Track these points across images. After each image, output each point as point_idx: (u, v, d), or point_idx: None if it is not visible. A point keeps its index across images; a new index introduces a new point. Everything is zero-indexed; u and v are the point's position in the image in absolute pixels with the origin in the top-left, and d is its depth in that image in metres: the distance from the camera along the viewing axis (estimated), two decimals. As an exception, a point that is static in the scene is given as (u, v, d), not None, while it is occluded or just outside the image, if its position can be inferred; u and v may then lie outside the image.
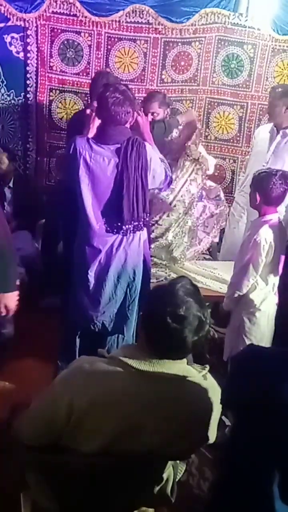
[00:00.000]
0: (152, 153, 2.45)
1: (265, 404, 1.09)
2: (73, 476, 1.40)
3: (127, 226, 2.40)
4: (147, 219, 2.47)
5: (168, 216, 3.18)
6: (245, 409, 1.16)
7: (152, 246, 3.02)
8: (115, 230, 2.42)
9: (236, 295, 2.45)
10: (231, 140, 4.02)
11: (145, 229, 2.51)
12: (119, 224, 2.39)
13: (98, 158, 2.38)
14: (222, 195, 3.38)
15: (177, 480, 1.67)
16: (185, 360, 1.44)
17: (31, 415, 1.45)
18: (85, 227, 2.47)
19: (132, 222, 2.41)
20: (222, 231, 3.62)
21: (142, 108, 2.96)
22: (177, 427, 1.38)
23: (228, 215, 3.65)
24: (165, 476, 1.55)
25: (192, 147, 3.12)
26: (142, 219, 2.43)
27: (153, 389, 1.35)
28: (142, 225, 2.45)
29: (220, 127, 3.98)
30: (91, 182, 2.42)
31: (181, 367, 1.40)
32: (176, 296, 1.34)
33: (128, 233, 2.43)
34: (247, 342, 2.46)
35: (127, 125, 2.42)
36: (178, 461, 1.64)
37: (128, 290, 2.54)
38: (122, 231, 2.41)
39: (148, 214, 2.47)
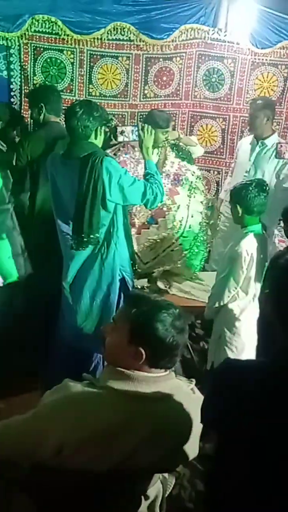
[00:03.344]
0: (114, 168, 2.34)
1: (247, 420, 1.09)
2: (56, 494, 1.39)
3: (76, 240, 2.36)
4: (94, 236, 2.35)
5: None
6: (227, 428, 1.15)
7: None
8: (73, 246, 2.40)
9: (216, 305, 2.47)
10: (215, 152, 4.08)
11: (119, 246, 2.46)
12: (74, 237, 2.38)
13: (64, 173, 2.41)
14: None
15: (167, 493, 1.67)
16: (173, 374, 1.46)
17: (8, 433, 1.40)
18: (60, 241, 2.51)
19: (79, 236, 2.35)
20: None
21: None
22: (170, 443, 1.38)
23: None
24: (154, 492, 1.55)
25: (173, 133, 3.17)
26: (87, 236, 2.34)
27: (147, 410, 1.35)
28: (88, 241, 2.36)
29: (204, 139, 4.04)
30: (58, 197, 2.46)
31: (173, 383, 1.41)
32: (174, 309, 1.42)
33: (82, 248, 2.38)
34: (228, 352, 2.47)
35: (92, 140, 2.39)
36: (167, 477, 1.64)
37: (104, 307, 2.51)
38: (74, 245, 2.38)
39: (96, 231, 2.35)
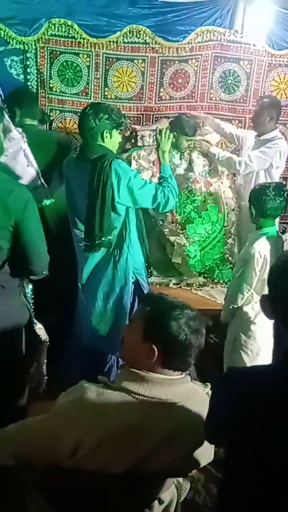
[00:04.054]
0: (123, 171, 2.34)
1: (254, 426, 1.08)
2: (72, 495, 1.39)
3: (89, 243, 2.41)
4: (105, 239, 2.39)
5: None
6: (239, 434, 1.14)
7: None
8: (83, 248, 2.44)
9: (231, 307, 2.46)
10: (231, 154, 4.04)
11: (132, 249, 2.46)
12: (86, 240, 2.42)
13: (77, 176, 2.46)
14: None
15: (182, 498, 1.66)
16: (188, 377, 1.45)
17: (24, 434, 1.41)
18: (74, 243, 2.53)
19: (91, 240, 2.38)
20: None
21: None
22: (185, 447, 1.37)
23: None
24: (169, 497, 1.54)
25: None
26: (99, 239, 2.37)
27: (162, 413, 1.35)
28: (100, 244, 2.38)
29: (220, 141, 4.00)
30: (73, 200, 2.49)
31: (188, 387, 1.40)
32: (190, 310, 1.43)
33: (94, 250, 2.42)
34: (244, 356, 2.45)
35: (100, 142, 2.41)
36: (181, 481, 1.63)
37: (117, 309, 2.52)
38: (87, 248, 2.42)
39: (108, 234, 2.38)
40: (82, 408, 1.34)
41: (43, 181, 2.76)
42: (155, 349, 1.37)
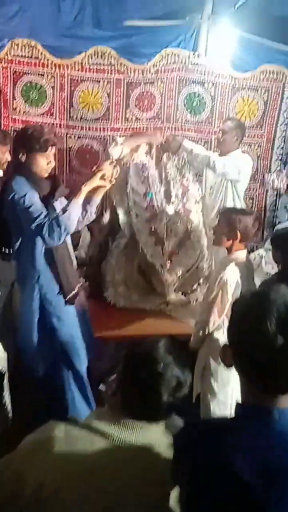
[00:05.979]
0: (11, 189, 2.29)
1: (214, 478, 1.04)
2: None
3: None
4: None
5: None
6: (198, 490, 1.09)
7: None
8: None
9: (201, 333, 2.39)
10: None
11: (37, 274, 2.41)
12: None
13: None
14: None
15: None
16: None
17: None
18: None
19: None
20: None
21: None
22: (157, 493, 1.29)
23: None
24: None
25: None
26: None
27: (131, 459, 1.27)
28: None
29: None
30: None
31: (161, 432, 1.33)
32: (157, 353, 1.30)
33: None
34: (214, 384, 2.38)
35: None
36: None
37: (23, 331, 2.49)
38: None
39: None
40: (47, 446, 1.26)
41: None
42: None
